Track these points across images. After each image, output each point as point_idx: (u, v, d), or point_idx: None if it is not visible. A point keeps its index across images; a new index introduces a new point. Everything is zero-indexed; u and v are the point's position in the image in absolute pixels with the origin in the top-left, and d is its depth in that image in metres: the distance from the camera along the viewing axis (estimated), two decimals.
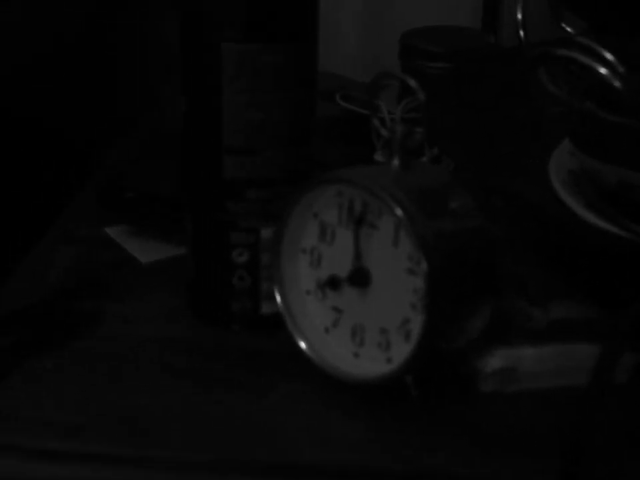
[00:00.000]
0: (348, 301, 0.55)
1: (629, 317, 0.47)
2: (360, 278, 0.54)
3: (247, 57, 0.55)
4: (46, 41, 0.82)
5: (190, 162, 0.59)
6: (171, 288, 0.65)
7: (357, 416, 0.54)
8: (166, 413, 0.54)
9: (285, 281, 0.57)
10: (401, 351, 0.53)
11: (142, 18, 0.99)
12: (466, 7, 1.00)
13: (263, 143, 0.57)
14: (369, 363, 0.55)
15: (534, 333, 0.56)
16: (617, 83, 0.55)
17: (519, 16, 0.70)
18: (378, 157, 0.78)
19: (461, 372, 0.55)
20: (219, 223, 0.58)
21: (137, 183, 0.72)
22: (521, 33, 0.69)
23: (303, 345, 0.56)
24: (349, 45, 1.05)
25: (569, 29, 0.73)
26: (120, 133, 0.91)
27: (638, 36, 0.70)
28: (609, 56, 0.57)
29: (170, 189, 0.70)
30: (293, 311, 0.57)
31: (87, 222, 0.75)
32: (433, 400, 0.54)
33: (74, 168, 0.86)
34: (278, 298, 0.57)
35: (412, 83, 0.51)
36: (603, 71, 0.55)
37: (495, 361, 0.54)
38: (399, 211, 0.50)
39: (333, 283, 0.55)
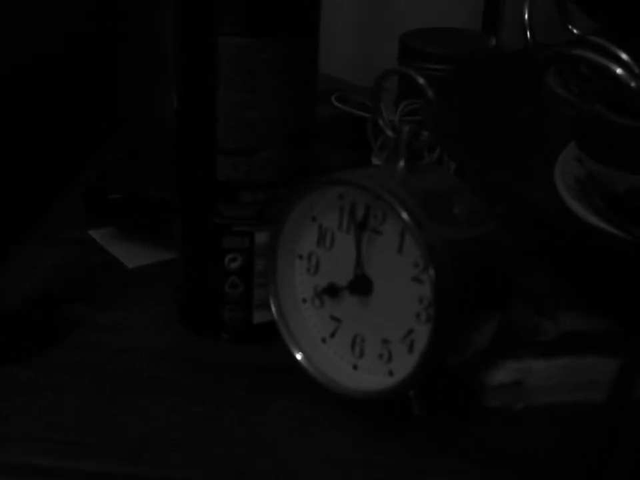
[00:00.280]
0: (347, 310, 0.52)
1: None
2: (361, 286, 0.51)
3: (244, 53, 0.52)
4: (43, 40, 0.80)
5: (182, 162, 0.57)
6: (159, 295, 0.62)
7: (357, 433, 0.51)
8: (152, 430, 0.51)
9: (281, 289, 0.54)
10: (404, 363, 0.50)
11: (142, 18, 0.97)
12: (465, 9, 0.98)
13: (259, 143, 0.54)
14: (370, 375, 0.52)
15: (543, 346, 0.54)
16: (633, 84, 0.52)
17: (526, 17, 0.67)
18: (375, 160, 0.76)
19: (466, 386, 0.53)
20: (211, 227, 0.56)
21: (124, 184, 0.69)
22: (528, 34, 0.66)
23: (298, 356, 0.53)
24: (345, 47, 1.03)
25: (575, 31, 0.70)
26: (112, 133, 0.88)
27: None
28: (624, 56, 0.54)
29: (159, 190, 0.67)
30: (288, 321, 0.54)
31: (70, 224, 0.72)
32: (437, 415, 0.52)
33: (60, 167, 0.83)
34: (273, 306, 0.54)
35: (420, 80, 0.49)
36: (619, 71, 0.53)
37: (502, 374, 0.52)
38: (404, 215, 0.47)
39: (331, 291, 0.52)
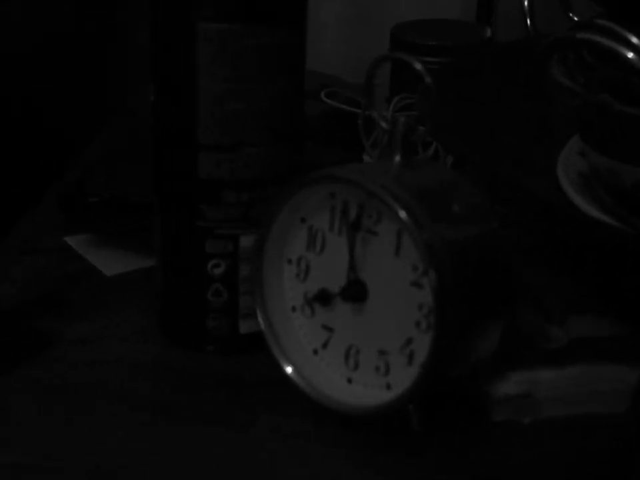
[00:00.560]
0: (341, 318, 0.49)
1: None
2: (355, 292, 0.48)
3: (226, 39, 0.48)
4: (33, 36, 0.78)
5: (161, 160, 0.53)
6: (139, 304, 0.60)
7: (351, 451, 0.48)
8: (129, 451, 0.47)
9: (268, 296, 0.51)
10: (403, 376, 0.47)
11: (130, 14, 0.95)
12: (458, 0, 0.94)
13: (244, 138, 0.50)
14: (365, 389, 0.49)
15: (552, 354, 0.51)
16: None
17: (525, 4, 0.63)
18: (367, 158, 0.72)
19: (469, 399, 0.50)
20: (192, 230, 0.52)
21: (103, 186, 0.66)
22: (528, 21, 0.63)
23: (288, 369, 0.50)
24: (334, 41, 1.00)
25: (576, 19, 0.67)
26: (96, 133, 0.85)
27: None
28: (634, 39, 0.50)
29: (140, 193, 0.63)
30: (276, 331, 0.51)
31: (47, 231, 0.70)
32: (438, 431, 0.48)
33: (39, 171, 0.80)
34: (259, 315, 0.51)
35: (417, 65, 0.45)
36: (630, 55, 0.49)
37: (508, 386, 0.49)
38: (402, 214, 0.43)
39: (323, 298, 0.49)
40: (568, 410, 0.49)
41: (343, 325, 0.49)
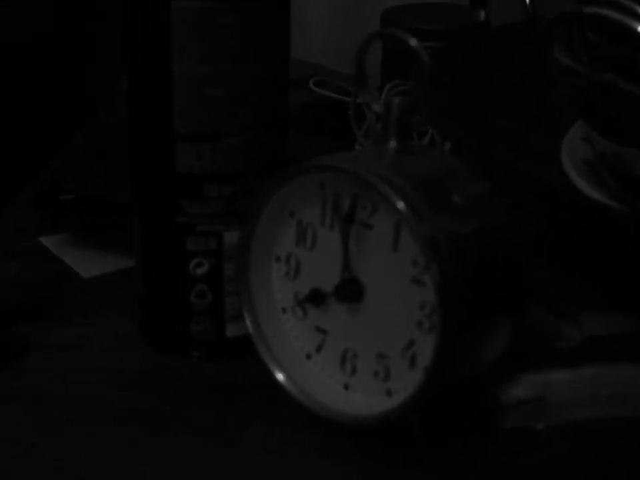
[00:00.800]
0: (335, 319, 0.46)
1: None
2: (350, 291, 0.44)
3: (203, 18, 0.45)
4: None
5: (136, 152, 0.50)
6: (119, 308, 0.57)
7: (349, 464, 0.44)
8: (112, 467, 0.44)
9: (256, 297, 0.47)
10: (405, 382, 0.43)
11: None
12: None
13: (224, 127, 0.47)
14: (363, 396, 0.45)
15: (565, 354, 0.47)
16: None
17: None
18: (359, 148, 0.68)
19: (477, 405, 0.47)
20: (172, 226, 0.49)
21: (80, 184, 0.63)
22: (527, 1, 0.60)
23: (279, 375, 0.47)
24: (319, 28, 0.96)
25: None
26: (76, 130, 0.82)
27: None
28: None
29: (118, 190, 0.60)
30: (266, 334, 0.47)
31: (21, 232, 0.67)
32: (444, 441, 0.45)
33: (14, 168, 0.77)
34: (247, 318, 0.48)
35: (413, 42, 0.42)
36: None
37: (519, 389, 0.46)
38: (400, 204, 0.40)
39: (315, 298, 0.46)
40: (583, 414, 0.46)
41: (337, 327, 0.46)
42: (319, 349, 0.47)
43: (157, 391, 0.49)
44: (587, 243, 0.50)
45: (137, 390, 0.49)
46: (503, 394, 0.46)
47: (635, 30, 0.47)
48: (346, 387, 0.46)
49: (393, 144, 0.43)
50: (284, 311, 0.48)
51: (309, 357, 0.47)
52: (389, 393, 0.44)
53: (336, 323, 0.45)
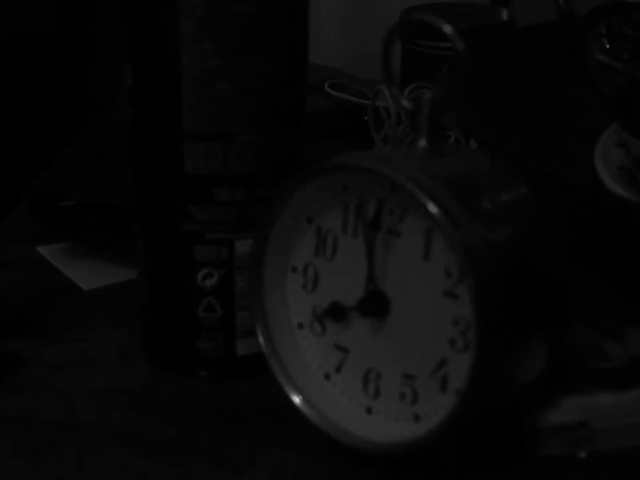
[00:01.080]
0: (357, 336, 0.42)
1: None
2: (374, 305, 0.41)
3: (213, 8, 0.41)
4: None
5: (140, 153, 0.46)
6: (120, 323, 0.54)
7: None
8: None
9: (270, 311, 0.44)
10: (434, 405, 0.40)
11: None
12: None
13: (236, 125, 0.43)
14: (388, 421, 0.42)
15: (610, 374, 0.44)
16: None
17: None
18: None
19: (514, 432, 0.43)
20: (179, 235, 0.46)
21: (79, 190, 0.60)
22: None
23: (295, 398, 0.43)
24: (336, 32, 0.93)
25: None
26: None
27: None
28: None
29: (121, 196, 0.57)
30: (280, 352, 0.44)
31: (17, 239, 0.65)
32: (477, 473, 0.41)
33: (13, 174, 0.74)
34: (260, 334, 0.44)
35: (447, 28, 0.38)
36: None
37: (561, 414, 0.43)
38: (433, 208, 0.36)
39: (335, 313, 0.42)
40: (630, 441, 0.43)
41: (360, 345, 0.42)
42: (338, 368, 0.43)
43: (160, 414, 0.46)
44: (632, 254, 0.47)
45: (138, 412, 0.46)
46: (542, 419, 0.43)
47: None
48: (369, 411, 0.42)
49: (422, 143, 0.39)
50: (301, 326, 0.44)
51: (327, 377, 0.44)
52: (417, 418, 0.40)
53: (358, 340, 0.42)
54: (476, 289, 0.36)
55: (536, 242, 0.40)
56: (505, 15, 0.77)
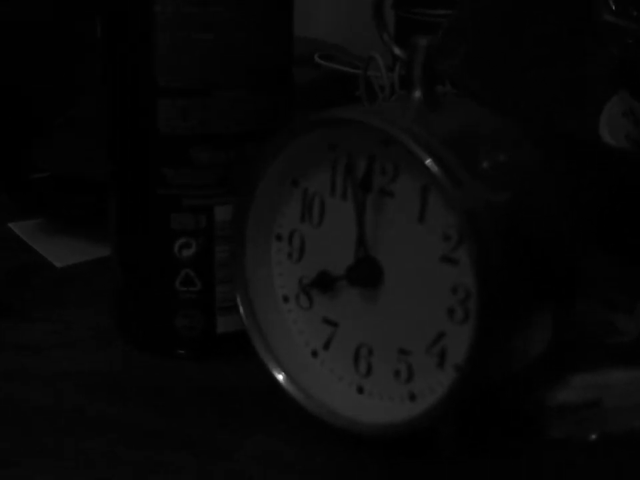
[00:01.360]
0: (347, 309, 0.39)
1: None
2: (365, 273, 0.38)
3: None
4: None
5: (111, 112, 0.44)
6: (96, 301, 0.52)
7: None
8: None
9: (252, 283, 0.41)
10: (431, 383, 0.37)
11: None
12: None
13: (214, 79, 0.41)
14: (381, 401, 0.39)
15: (621, 350, 0.42)
16: None
17: None
18: None
19: (519, 412, 0.40)
20: (153, 200, 0.43)
21: (51, 161, 0.57)
22: None
23: (280, 377, 0.41)
24: (325, 7, 0.90)
25: None
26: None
27: None
28: None
29: (98, 167, 0.54)
30: (264, 328, 0.41)
31: None
32: (479, 456, 0.39)
33: None
34: (242, 309, 0.42)
35: None
36: None
37: (570, 393, 0.40)
38: (431, 164, 0.33)
39: (323, 283, 0.39)
40: None
41: (350, 318, 0.39)
42: (327, 344, 0.40)
43: (138, 397, 0.44)
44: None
45: (114, 395, 0.44)
46: (549, 398, 0.40)
47: None
48: (360, 390, 0.40)
49: (417, 94, 0.36)
50: (286, 299, 0.41)
51: (315, 354, 0.41)
52: (412, 397, 0.38)
53: (348, 313, 0.39)
54: (477, 253, 0.33)
55: (542, 205, 0.37)
56: None
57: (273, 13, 0.41)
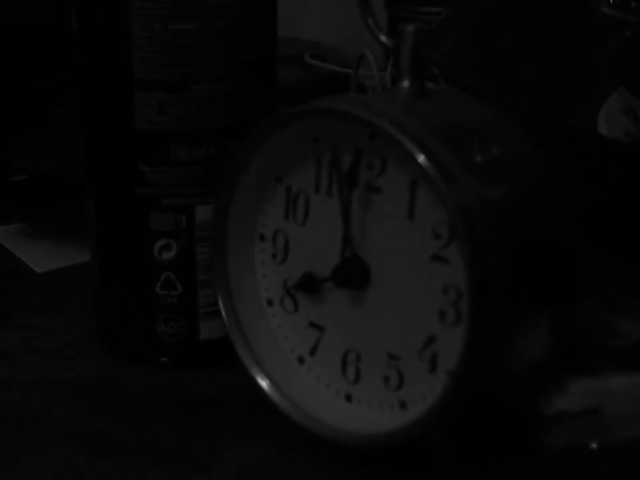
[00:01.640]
0: (334, 312, 0.37)
1: None
2: (352, 274, 0.36)
3: None
4: None
5: (88, 107, 0.42)
6: (76, 307, 0.50)
7: None
8: None
9: (235, 287, 0.39)
10: (423, 389, 0.35)
11: None
12: None
13: (194, 72, 0.39)
14: (370, 410, 0.37)
15: (624, 354, 0.40)
16: None
17: None
18: None
19: (516, 420, 0.38)
20: (131, 200, 0.41)
21: (31, 162, 0.54)
22: None
23: (264, 384, 0.39)
24: (312, 1, 0.88)
25: None
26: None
27: None
28: None
29: (78, 170, 0.52)
30: (248, 333, 0.39)
31: None
32: (475, 467, 0.37)
33: None
34: (225, 314, 0.40)
35: None
36: None
37: (568, 400, 0.38)
38: (420, 157, 0.31)
39: (309, 285, 0.37)
40: None
41: (337, 322, 0.37)
42: (313, 350, 0.38)
43: (116, 406, 0.42)
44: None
45: (90, 405, 0.42)
46: (547, 405, 0.38)
47: None
48: (348, 398, 0.38)
49: (405, 84, 0.34)
50: (270, 303, 0.39)
51: (301, 360, 0.39)
52: (403, 405, 0.36)
53: (335, 316, 0.37)
54: (470, 251, 0.31)
55: (539, 203, 0.36)
56: None
57: (255, 2, 0.39)
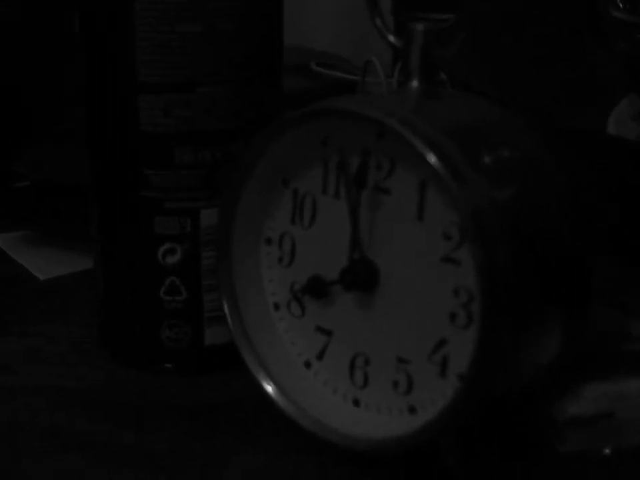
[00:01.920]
0: (341, 316, 0.37)
1: None
2: (360, 276, 0.35)
3: None
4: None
5: (91, 110, 0.41)
6: (78, 314, 0.49)
7: None
8: None
9: (240, 291, 0.39)
10: (433, 394, 0.34)
11: None
12: None
13: (200, 74, 0.38)
14: (379, 415, 0.36)
15: (636, 358, 0.39)
16: None
17: None
18: None
19: (527, 425, 0.37)
20: (135, 204, 0.41)
21: (35, 169, 0.54)
22: None
23: (270, 389, 0.38)
24: (320, 12, 0.88)
25: None
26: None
27: None
28: None
29: (82, 177, 0.52)
30: (254, 338, 0.39)
31: None
32: (484, 474, 0.36)
33: None
34: (230, 319, 0.39)
35: None
36: None
37: (581, 404, 0.37)
38: (431, 157, 0.30)
39: (316, 289, 0.37)
40: None
41: (345, 326, 0.37)
42: (321, 355, 0.38)
43: (119, 413, 0.41)
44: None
45: (93, 411, 0.41)
46: (560, 410, 0.37)
47: None
48: (356, 403, 0.37)
49: (415, 84, 0.34)
50: (277, 307, 0.39)
51: (308, 365, 0.38)
52: (412, 410, 0.35)
53: (343, 320, 0.37)
54: (482, 253, 0.30)
55: (549, 204, 0.35)
56: None
57: (261, 4, 0.39)
